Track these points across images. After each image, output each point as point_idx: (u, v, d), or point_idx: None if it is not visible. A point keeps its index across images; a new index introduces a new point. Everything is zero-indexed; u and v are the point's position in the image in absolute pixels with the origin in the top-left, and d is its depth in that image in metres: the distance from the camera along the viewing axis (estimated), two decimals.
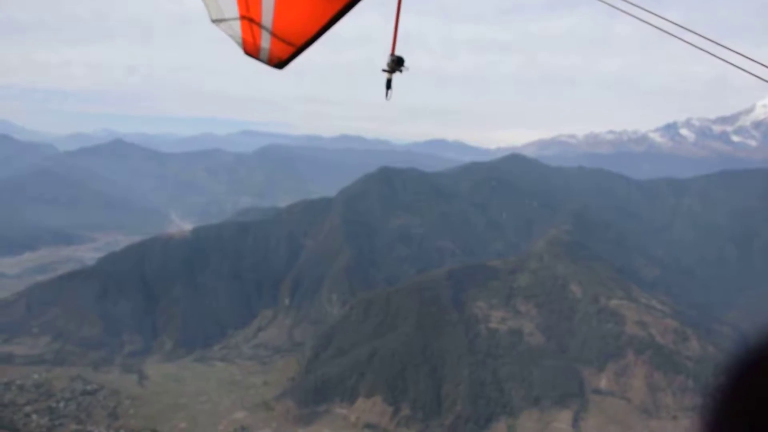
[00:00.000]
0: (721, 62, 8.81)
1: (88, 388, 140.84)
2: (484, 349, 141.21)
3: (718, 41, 8.73)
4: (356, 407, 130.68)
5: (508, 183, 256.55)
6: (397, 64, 9.87)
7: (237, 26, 10.57)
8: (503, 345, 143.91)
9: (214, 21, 10.58)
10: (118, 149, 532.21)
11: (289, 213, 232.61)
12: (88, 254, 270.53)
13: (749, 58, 8.62)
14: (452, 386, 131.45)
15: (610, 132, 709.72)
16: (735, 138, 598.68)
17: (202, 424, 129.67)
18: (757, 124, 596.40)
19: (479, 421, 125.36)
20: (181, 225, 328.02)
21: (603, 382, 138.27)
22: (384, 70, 9.91)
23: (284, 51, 10.61)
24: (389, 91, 10.15)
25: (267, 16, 9.98)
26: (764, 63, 8.30)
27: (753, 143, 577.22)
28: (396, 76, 10.04)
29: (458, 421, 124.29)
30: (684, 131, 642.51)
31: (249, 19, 10.23)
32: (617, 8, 9.78)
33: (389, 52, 9.80)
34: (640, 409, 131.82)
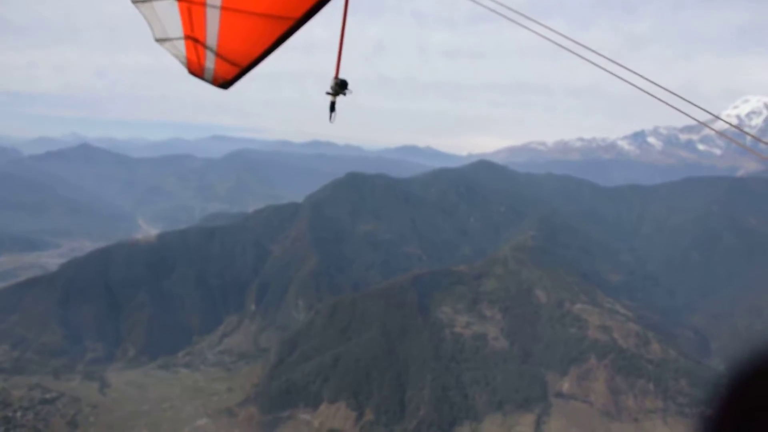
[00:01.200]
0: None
1: (47, 396, 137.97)
2: (448, 354, 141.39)
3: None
4: (320, 412, 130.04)
5: (476, 189, 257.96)
6: (340, 87, 9.87)
7: (181, 46, 10.48)
8: (468, 350, 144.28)
9: (157, 40, 10.46)
10: (85, 154, 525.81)
11: (255, 218, 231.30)
12: (52, 260, 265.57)
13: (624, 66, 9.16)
14: (416, 391, 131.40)
15: (580, 139, 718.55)
16: (700, 146, 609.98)
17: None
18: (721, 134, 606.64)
19: (443, 426, 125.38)
20: (149, 231, 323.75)
21: (566, 386, 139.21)
22: (328, 93, 9.89)
23: (229, 71, 10.53)
24: (333, 114, 10.11)
25: (212, 37, 9.85)
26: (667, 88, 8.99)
27: (717, 152, 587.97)
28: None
29: (421, 426, 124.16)
30: (651, 139, 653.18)
31: (193, 39, 10.13)
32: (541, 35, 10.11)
33: (333, 75, 9.73)
34: (602, 412, 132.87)
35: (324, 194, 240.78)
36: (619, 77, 9.52)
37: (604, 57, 9.46)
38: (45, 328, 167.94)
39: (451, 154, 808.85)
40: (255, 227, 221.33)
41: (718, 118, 10.01)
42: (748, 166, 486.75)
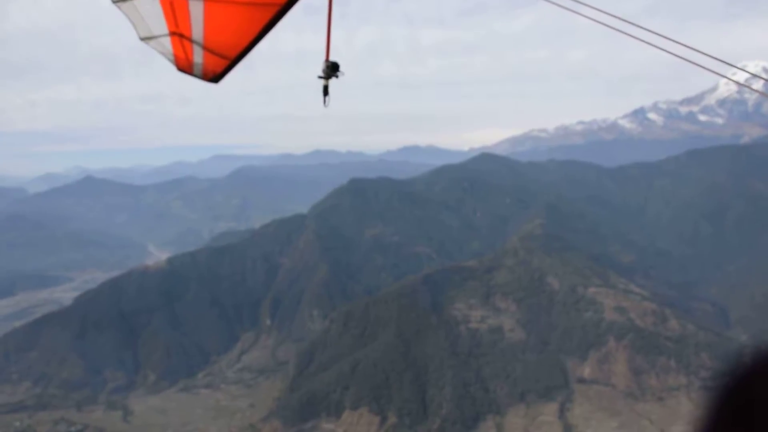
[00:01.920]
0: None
1: (73, 429, 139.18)
2: (465, 350, 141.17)
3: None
4: (343, 420, 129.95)
5: (480, 182, 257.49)
6: (332, 69, 9.74)
7: (167, 43, 10.33)
8: (485, 344, 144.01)
9: (143, 39, 10.30)
10: (88, 187, 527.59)
11: (262, 234, 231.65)
12: (66, 294, 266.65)
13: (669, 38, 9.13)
14: (437, 390, 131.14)
15: (580, 122, 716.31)
16: (702, 117, 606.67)
17: None
18: (722, 102, 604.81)
19: (466, 422, 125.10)
20: (159, 256, 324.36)
21: (586, 371, 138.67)
22: (320, 77, 9.76)
23: (218, 64, 10.43)
24: (326, 98, 9.97)
25: (197, 31, 9.76)
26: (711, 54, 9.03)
27: (719, 121, 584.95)
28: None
29: (445, 424, 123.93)
30: (652, 115, 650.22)
31: (179, 35, 10.00)
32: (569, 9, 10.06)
33: (324, 58, 9.64)
34: (626, 394, 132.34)
35: (328, 203, 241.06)
36: (641, 40, 9.65)
37: (623, 19, 9.57)
38: (64, 362, 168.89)
39: (453, 150, 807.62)
40: (263, 242, 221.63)
41: (743, 70, 9.90)
42: (752, 132, 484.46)
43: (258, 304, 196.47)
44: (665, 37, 9.36)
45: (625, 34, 9.72)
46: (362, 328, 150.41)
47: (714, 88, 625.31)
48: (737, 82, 10.13)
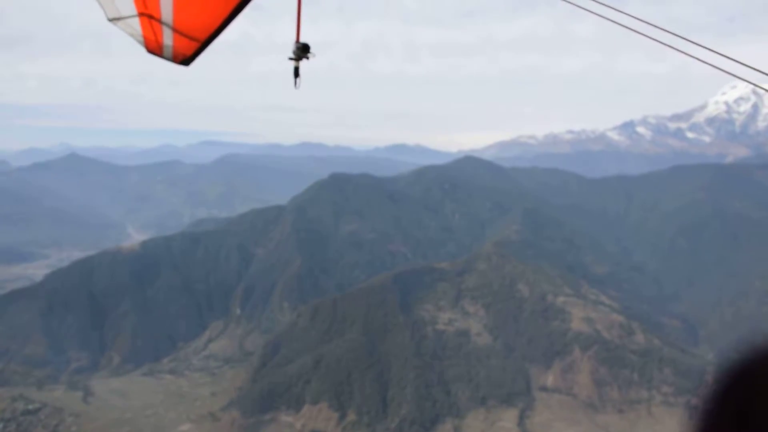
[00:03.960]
0: (678, 59, 9.19)
1: (30, 407, 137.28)
2: (430, 351, 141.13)
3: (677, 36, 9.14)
4: (302, 414, 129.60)
5: (461, 185, 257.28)
6: (303, 51, 9.58)
7: (136, 24, 9.94)
8: (450, 346, 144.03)
9: (111, 20, 9.87)
10: (72, 164, 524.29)
11: (239, 222, 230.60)
12: (39, 271, 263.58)
13: (710, 49, 9.01)
14: (398, 389, 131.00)
15: (569, 132, 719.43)
16: (689, 134, 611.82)
17: None
18: (711, 120, 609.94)
19: (425, 423, 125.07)
20: (138, 238, 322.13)
21: (549, 380, 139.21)
22: (290, 59, 9.61)
23: (188, 47, 10.14)
24: (297, 80, 9.80)
25: (166, 12, 9.44)
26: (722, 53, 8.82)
27: (707, 139, 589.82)
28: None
29: (404, 424, 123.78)
30: (641, 129, 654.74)
31: (148, 16, 9.65)
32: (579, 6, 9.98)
33: (294, 39, 9.49)
34: (586, 404, 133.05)
35: (307, 196, 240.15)
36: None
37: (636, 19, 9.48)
38: (28, 340, 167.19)
39: (442, 150, 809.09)
40: (239, 231, 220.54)
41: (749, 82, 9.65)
42: (737, 152, 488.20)
43: (229, 293, 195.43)
44: (681, 37, 9.38)
45: (640, 33, 9.69)
46: (329, 324, 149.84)
47: (703, 106, 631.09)
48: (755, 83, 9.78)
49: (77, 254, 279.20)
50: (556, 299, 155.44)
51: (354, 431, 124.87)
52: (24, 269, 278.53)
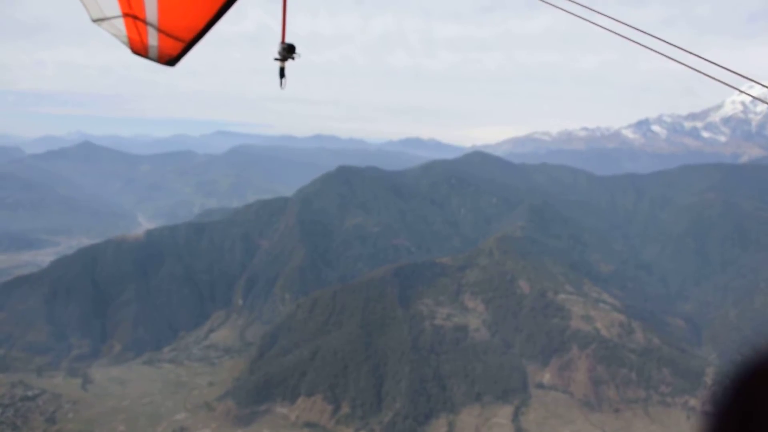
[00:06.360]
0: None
1: (29, 393, 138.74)
2: (427, 346, 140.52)
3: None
4: (297, 406, 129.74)
5: (469, 180, 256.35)
6: (288, 51, 9.58)
7: (121, 24, 9.91)
8: (447, 341, 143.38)
9: (95, 21, 9.85)
10: (86, 152, 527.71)
11: (244, 213, 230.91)
12: (48, 258, 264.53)
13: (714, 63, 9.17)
14: (393, 383, 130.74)
15: (584, 129, 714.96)
16: (705, 134, 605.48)
17: (142, 426, 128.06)
18: (726, 120, 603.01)
19: (418, 418, 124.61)
20: (148, 227, 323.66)
21: (546, 377, 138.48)
22: (276, 59, 9.60)
23: (173, 47, 10.11)
24: (283, 80, 9.83)
25: (151, 13, 9.39)
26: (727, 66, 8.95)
27: (722, 138, 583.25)
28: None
29: (397, 418, 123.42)
30: (656, 127, 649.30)
31: (133, 17, 9.61)
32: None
33: (279, 40, 9.49)
34: (582, 403, 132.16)
35: (313, 188, 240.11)
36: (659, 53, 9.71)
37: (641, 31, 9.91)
38: (31, 326, 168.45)
39: (455, 145, 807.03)
40: (244, 222, 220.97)
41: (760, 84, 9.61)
42: (752, 152, 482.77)
43: (232, 283, 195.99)
44: (681, 49, 9.49)
45: (639, 44, 9.95)
46: (327, 316, 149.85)
47: (720, 106, 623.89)
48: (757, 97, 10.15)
49: (87, 242, 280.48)
50: (556, 296, 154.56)
51: (347, 424, 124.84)
52: (33, 256, 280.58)
